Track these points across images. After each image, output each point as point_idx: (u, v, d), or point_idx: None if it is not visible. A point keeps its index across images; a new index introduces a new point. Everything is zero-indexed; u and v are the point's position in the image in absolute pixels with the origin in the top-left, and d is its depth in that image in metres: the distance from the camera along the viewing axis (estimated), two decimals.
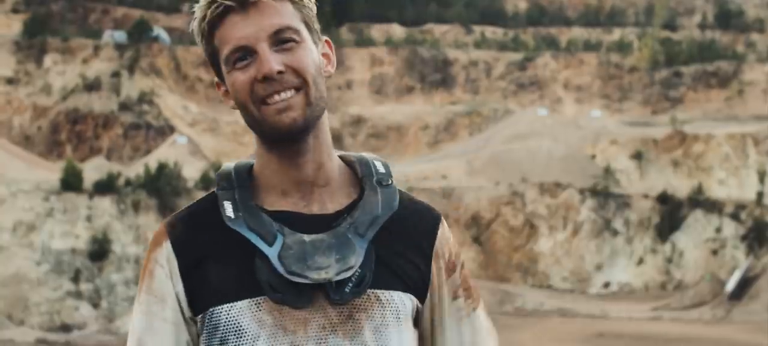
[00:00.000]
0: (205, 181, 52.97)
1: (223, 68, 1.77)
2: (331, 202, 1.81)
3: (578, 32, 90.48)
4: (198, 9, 1.77)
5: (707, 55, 79.84)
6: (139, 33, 75.39)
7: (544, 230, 55.38)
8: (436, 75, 79.76)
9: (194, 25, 1.78)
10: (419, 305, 1.84)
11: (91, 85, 70.12)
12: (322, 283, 1.72)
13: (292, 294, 1.72)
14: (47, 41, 73.41)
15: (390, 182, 1.85)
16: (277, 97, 1.72)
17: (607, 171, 59.74)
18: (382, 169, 1.86)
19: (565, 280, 53.88)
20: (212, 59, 1.79)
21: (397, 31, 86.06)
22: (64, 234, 48.02)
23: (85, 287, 46.54)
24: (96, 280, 46.96)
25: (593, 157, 62.30)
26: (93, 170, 53.94)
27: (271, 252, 1.72)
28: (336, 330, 1.74)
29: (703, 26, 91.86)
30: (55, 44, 73.40)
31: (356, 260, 1.74)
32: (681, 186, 57.88)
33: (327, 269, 1.72)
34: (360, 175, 1.84)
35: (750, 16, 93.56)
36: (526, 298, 48.06)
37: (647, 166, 61.74)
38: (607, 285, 53.82)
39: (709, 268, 51.48)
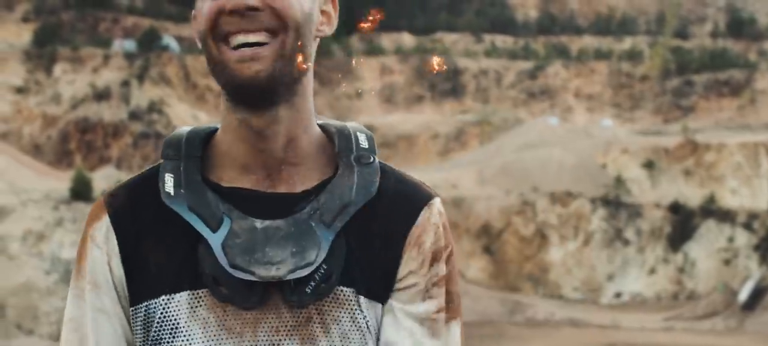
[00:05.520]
0: None
1: None
2: (302, 182, 1.43)
3: (589, 41, 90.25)
4: None
5: (719, 63, 79.53)
6: (149, 42, 75.52)
7: (555, 239, 55.09)
8: (446, 84, 79.65)
9: None
10: (382, 307, 1.44)
11: (101, 95, 70.20)
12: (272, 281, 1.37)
13: (240, 292, 1.36)
14: (57, 50, 73.58)
15: (372, 159, 1.47)
16: (241, 38, 1.34)
17: (619, 180, 59.44)
18: (364, 144, 1.48)
19: (576, 290, 53.57)
20: None
21: (407, 39, 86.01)
22: (73, 243, 47.94)
23: None
24: None
25: (604, 166, 62.00)
26: (102, 179, 53.89)
27: (215, 239, 1.37)
28: (292, 335, 1.38)
29: (714, 34, 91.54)
30: (65, 53, 73.55)
31: (318, 255, 1.37)
32: (693, 195, 57.55)
33: (278, 265, 1.35)
34: (336, 149, 1.46)
35: (762, 24, 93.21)
36: (537, 308, 47.75)
37: (659, 176, 61.42)
38: (618, 295, 53.50)
39: (721, 278, 51.11)
